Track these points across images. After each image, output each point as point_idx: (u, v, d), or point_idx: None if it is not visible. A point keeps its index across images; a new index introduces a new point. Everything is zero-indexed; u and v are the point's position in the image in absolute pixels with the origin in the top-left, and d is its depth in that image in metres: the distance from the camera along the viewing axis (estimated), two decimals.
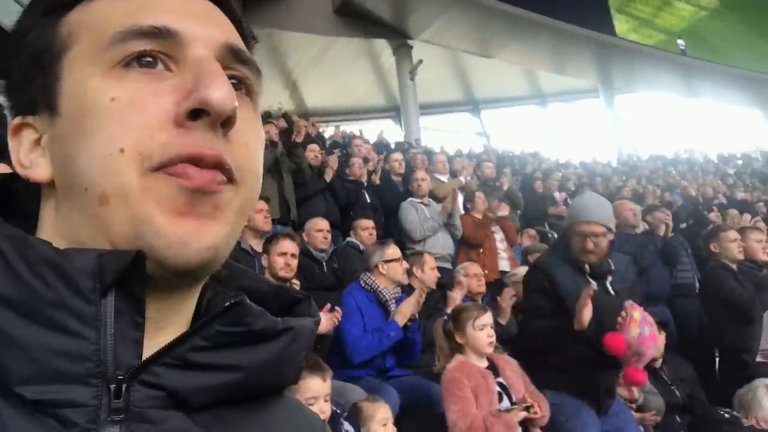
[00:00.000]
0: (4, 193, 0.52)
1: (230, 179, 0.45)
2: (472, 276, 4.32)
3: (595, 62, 17.99)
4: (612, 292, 2.83)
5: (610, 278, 2.85)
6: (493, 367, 2.78)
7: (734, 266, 3.97)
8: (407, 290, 3.68)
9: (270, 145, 5.33)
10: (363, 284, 3.56)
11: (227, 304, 0.45)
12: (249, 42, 0.53)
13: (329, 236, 4.64)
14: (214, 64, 0.45)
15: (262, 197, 4.04)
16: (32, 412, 0.39)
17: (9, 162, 0.49)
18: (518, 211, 7.24)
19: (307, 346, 0.52)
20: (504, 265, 5.53)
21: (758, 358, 3.67)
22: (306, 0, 12.88)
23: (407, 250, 4.77)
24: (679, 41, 19.14)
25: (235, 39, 0.50)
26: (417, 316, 3.40)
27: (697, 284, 4.68)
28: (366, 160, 6.93)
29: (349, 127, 12.36)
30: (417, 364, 3.51)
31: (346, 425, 2.37)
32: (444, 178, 6.65)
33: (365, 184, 6.22)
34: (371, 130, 12.22)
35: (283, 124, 8.30)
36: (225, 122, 0.44)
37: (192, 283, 0.48)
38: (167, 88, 0.44)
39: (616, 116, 19.68)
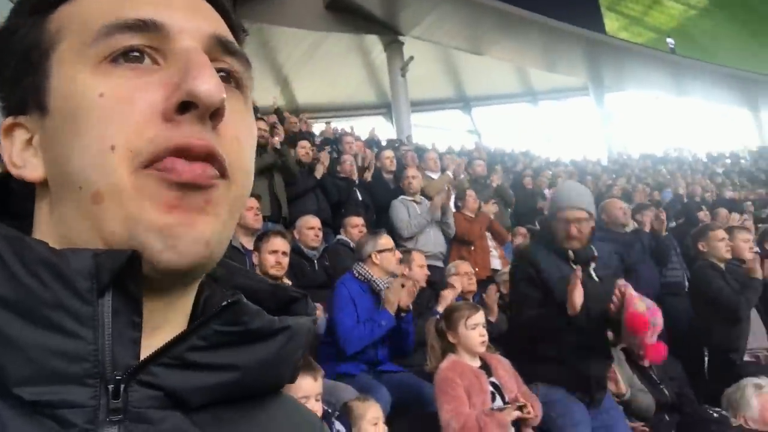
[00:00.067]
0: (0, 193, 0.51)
1: (222, 173, 0.45)
2: (462, 274, 4.33)
3: (586, 60, 18.07)
4: (596, 278, 2.87)
5: (593, 264, 2.91)
6: (486, 367, 2.78)
7: (722, 265, 4.00)
8: None
9: (259, 147, 5.30)
10: (356, 274, 3.55)
11: (224, 303, 0.45)
12: (238, 34, 0.53)
13: (320, 234, 4.63)
14: (201, 55, 0.45)
15: (252, 194, 4.02)
16: (31, 412, 0.39)
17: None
18: (509, 209, 7.26)
19: (304, 345, 0.51)
20: (496, 263, 5.55)
21: (746, 357, 3.71)
22: None
23: (398, 248, 4.76)
24: (669, 40, 19.28)
25: (223, 30, 0.49)
26: (410, 306, 3.40)
27: (687, 283, 4.72)
28: (357, 157, 6.92)
29: (341, 124, 12.32)
30: (410, 363, 3.51)
31: (338, 425, 2.36)
32: (435, 175, 6.65)
33: (357, 181, 6.21)
34: (362, 126, 12.20)
35: (273, 119, 8.26)
36: (214, 115, 0.44)
37: (187, 282, 0.47)
38: (155, 83, 0.44)
39: (606, 114, 19.78)
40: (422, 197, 5.56)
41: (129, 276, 0.42)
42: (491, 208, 5.99)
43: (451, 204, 5.79)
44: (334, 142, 8.99)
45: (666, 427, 2.97)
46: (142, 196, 0.42)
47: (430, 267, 4.82)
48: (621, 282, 2.66)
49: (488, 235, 5.75)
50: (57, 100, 0.45)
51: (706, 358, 3.83)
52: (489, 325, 3.43)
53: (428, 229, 5.21)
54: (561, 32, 15.66)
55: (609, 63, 18.28)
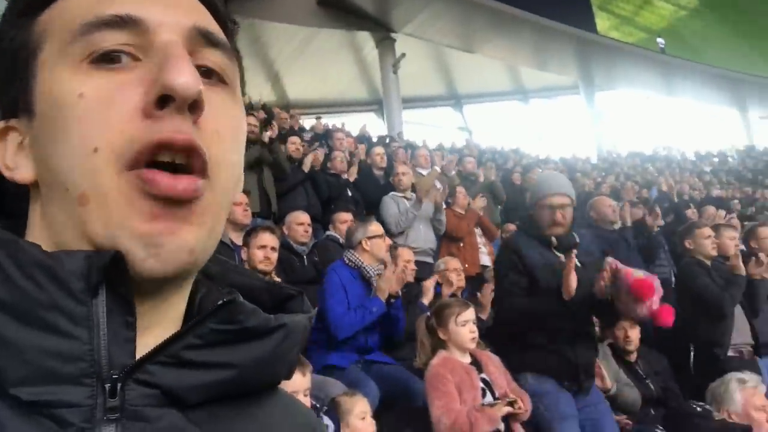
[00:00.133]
0: None
1: (203, 171, 0.44)
2: (452, 270, 4.34)
3: (577, 59, 18.15)
4: (578, 263, 2.92)
5: (575, 251, 2.93)
6: (476, 363, 2.80)
7: (708, 262, 4.04)
8: None
9: (250, 142, 5.28)
10: (347, 261, 3.56)
11: (220, 302, 0.45)
12: (227, 25, 0.53)
13: (310, 230, 4.62)
14: (178, 48, 0.45)
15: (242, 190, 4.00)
16: (29, 412, 0.39)
17: None
18: (499, 206, 7.29)
19: (299, 343, 0.52)
20: (485, 259, 5.57)
21: (730, 353, 3.75)
22: None
23: None
24: (659, 40, 19.41)
25: (204, 22, 0.49)
26: (399, 292, 3.42)
27: (674, 279, 4.77)
28: (351, 154, 6.92)
29: (332, 120, 12.29)
30: (401, 357, 3.52)
31: (326, 419, 2.37)
32: (426, 172, 6.66)
33: (347, 178, 6.21)
34: (354, 123, 12.19)
35: (262, 115, 8.24)
36: (193, 108, 0.44)
37: (176, 284, 0.47)
38: (134, 80, 0.44)
39: (596, 113, 19.88)
40: (413, 194, 5.57)
41: (118, 277, 0.42)
42: (479, 203, 5.99)
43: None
44: (324, 137, 8.97)
45: (652, 420, 3.00)
46: (125, 201, 0.42)
47: (420, 263, 4.84)
48: (609, 259, 2.69)
49: (478, 231, 5.77)
50: (41, 103, 0.45)
51: (692, 353, 3.87)
52: (479, 323, 3.45)
53: (418, 224, 5.22)
54: (552, 31, 15.73)
55: (600, 62, 18.37)
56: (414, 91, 17.39)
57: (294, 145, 6.22)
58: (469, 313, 2.83)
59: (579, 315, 2.82)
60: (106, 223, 0.42)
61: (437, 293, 4.09)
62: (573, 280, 2.66)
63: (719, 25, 21.08)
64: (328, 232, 5.04)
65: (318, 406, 2.46)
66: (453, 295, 4.14)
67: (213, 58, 0.48)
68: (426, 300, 3.79)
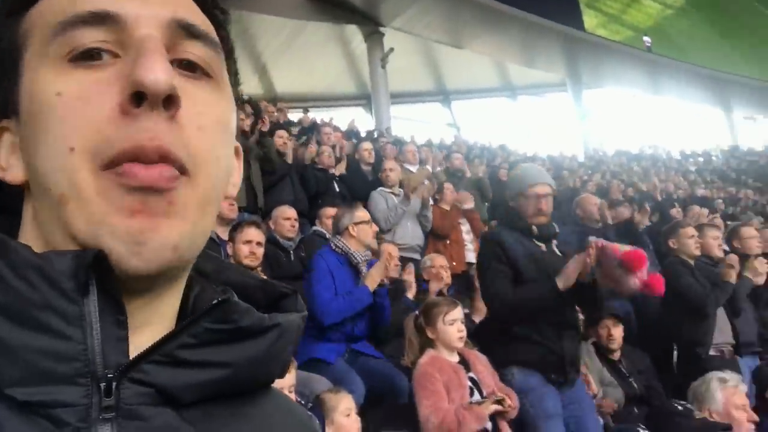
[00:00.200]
0: None
1: (181, 169, 0.44)
2: (438, 267, 4.35)
3: (564, 56, 18.22)
4: (559, 253, 2.97)
5: (555, 241, 3.01)
6: (464, 362, 2.81)
7: (692, 262, 4.08)
8: None
9: (241, 135, 5.25)
10: (334, 247, 3.56)
11: (214, 301, 0.45)
12: (216, 16, 0.52)
13: (296, 224, 4.61)
14: (151, 42, 0.44)
15: None
16: (26, 412, 0.40)
17: None
18: (486, 203, 7.30)
19: (293, 342, 0.52)
20: (471, 256, 5.57)
21: (711, 352, 3.80)
22: None
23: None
24: (645, 38, 19.54)
25: (185, 13, 0.48)
26: (386, 281, 3.45)
27: None
28: (335, 148, 6.90)
29: (320, 114, 12.24)
30: (387, 353, 3.52)
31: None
32: (414, 168, 6.66)
33: (335, 172, 6.19)
34: (342, 117, 12.15)
35: (249, 110, 8.17)
36: (168, 103, 0.43)
37: (165, 281, 0.47)
38: (112, 77, 0.43)
39: (583, 111, 19.99)
40: (401, 189, 5.57)
41: (106, 276, 0.42)
42: (463, 199, 5.99)
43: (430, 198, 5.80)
44: (311, 131, 8.93)
45: (635, 419, 3.03)
46: (104, 200, 0.42)
47: (407, 260, 4.85)
48: (593, 238, 2.72)
49: (464, 228, 5.78)
50: (25, 103, 0.45)
51: (675, 352, 3.91)
52: (470, 323, 3.46)
53: (406, 221, 5.22)
54: (540, 28, 15.77)
55: (587, 60, 18.46)
56: (402, 86, 17.35)
57: (281, 138, 6.18)
58: (457, 312, 2.84)
59: (564, 304, 2.84)
60: (87, 222, 0.42)
61: (423, 289, 4.09)
62: (574, 271, 2.68)
63: (704, 24, 21.29)
64: (314, 227, 5.03)
65: (303, 403, 2.45)
66: (440, 292, 4.14)
67: (195, 50, 0.48)
68: (410, 294, 3.79)
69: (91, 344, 0.41)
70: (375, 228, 3.78)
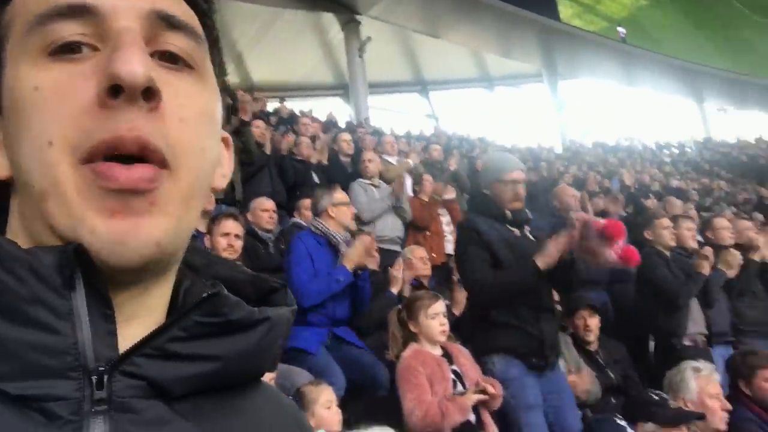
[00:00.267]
0: None
1: (162, 163, 0.43)
2: (417, 259, 4.34)
3: (540, 46, 18.36)
4: (531, 237, 3.04)
5: (527, 227, 3.09)
6: (447, 355, 2.82)
7: (667, 253, 4.14)
8: None
9: None
10: (313, 228, 3.58)
11: (204, 295, 0.45)
12: (199, 6, 0.51)
13: (275, 216, 4.57)
14: (129, 35, 0.44)
15: None
16: (18, 406, 0.40)
17: None
18: (465, 195, 7.32)
19: (283, 335, 0.52)
20: (450, 248, 5.59)
21: (685, 342, 3.88)
22: None
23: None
24: (620, 29, 19.75)
25: (165, 4, 0.47)
26: (367, 265, 3.48)
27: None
28: (314, 139, 6.85)
29: (297, 104, 12.13)
30: (369, 345, 3.53)
31: None
32: (393, 159, 6.64)
33: (314, 162, 6.14)
34: (320, 107, 12.06)
35: (227, 100, 8.05)
36: (148, 95, 0.42)
37: (152, 274, 0.47)
38: (89, 70, 0.43)
39: (559, 102, 20.15)
40: (381, 181, 5.55)
41: (90, 270, 0.42)
42: (442, 191, 6.00)
43: (408, 189, 5.79)
44: (288, 120, 8.84)
45: (612, 409, 3.08)
46: (82, 197, 0.42)
47: (387, 251, 4.85)
48: (578, 213, 2.80)
49: (444, 219, 5.78)
50: (6, 97, 0.45)
51: (652, 343, 3.98)
52: (452, 317, 3.48)
53: (386, 213, 5.21)
54: (516, 17, 15.85)
55: (562, 50, 18.62)
56: (380, 76, 17.29)
57: (258, 129, 6.09)
58: (439, 306, 2.85)
59: (544, 285, 2.90)
60: (67, 218, 0.42)
61: (414, 286, 4.08)
62: (555, 251, 2.74)
63: (678, 15, 21.59)
64: (293, 219, 4.99)
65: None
66: (420, 284, 4.15)
67: (176, 42, 0.47)
68: (394, 289, 3.79)
69: (81, 338, 0.41)
70: (353, 210, 3.82)
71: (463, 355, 2.88)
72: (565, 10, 18.51)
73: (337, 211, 3.60)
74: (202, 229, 3.83)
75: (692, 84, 21.76)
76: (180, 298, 0.52)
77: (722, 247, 4.34)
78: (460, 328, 3.43)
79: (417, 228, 5.46)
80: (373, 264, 4.01)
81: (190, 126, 0.46)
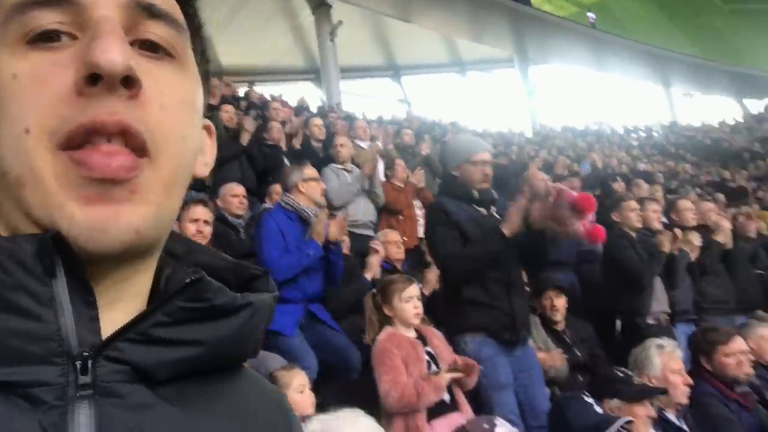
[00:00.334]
0: None
1: (143, 150, 0.43)
2: (391, 243, 4.36)
3: (511, 31, 18.42)
4: (498, 216, 3.12)
5: (494, 208, 3.19)
6: (421, 338, 2.86)
7: (633, 235, 4.23)
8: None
9: None
10: (283, 204, 3.58)
11: (188, 280, 0.45)
12: None
13: (245, 201, 4.53)
14: (108, 24, 0.43)
15: None
16: (3, 392, 0.40)
17: None
18: (437, 179, 7.35)
19: (265, 321, 0.53)
20: (422, 231, 5.61)
21: (649, 320, 3.98)
22: None
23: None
24: (590, 14, 19.92)
25: None
26: (339, 241, 3.53)
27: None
28: (284, 124, 6.78)
29: (267, 89, 11.96)
30: (345, 327, 3.55)
31: None
32: (365, 144, 6.62)
33: (284, 148, 6.08)
34: (291, 91, 11.93)
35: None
36: (128, 84, 0.42)
37: (133, 261, 0.47)
38: (68, 58, 0.43)
39: (530, 87, 20.31)
40: (353, 166, 5.53)
41: (70, 257, 0.42)
42: (419, 177, 6.03)
43: (381, 174, 5.79)
44: (260, 107, 8.73)
45: (579, 386, 3.15)
46: (60, 184, 0.42)
47: (360, 236, 4.85)
48: (554, 184, 2.87)
49: (417, 203, 5.81)
50: None
51: (619, 322, 4.08)
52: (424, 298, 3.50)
53: (358, 198, 5.20)
54: (487, 3, 15.88)
55: (533, 35, 18.72)
56: (352, 60, 17.17)
57: (228, 114, 6.01)
58: (413, 289, 2.88)
59: (514, 255, 2.98)
60: (45, 206, 0.42)
61: (387, 270, 4.10)
62: (517, 216, 2.84)
63: (647, 2, 21.83)
64: (264, 205, 4.94)
65: None
66: (393, 268, 4.17)
67: (157, 31, 0.47)
68: (369, 275, 3.81)
69: (64, 324, 0.41)
70: (323, 186, 3.84)
71: (437, 337, 2.92)
72: None
73: (307, 186, 3.61)
74: None
75: (660, 69, 22.12)
76: (162, 284, 0.52)
77: (686, 228, 4.45)
78: (432, 309, 3.46)
79: (390, 212, 5.47)
80: (344, 248, 4.01)
81: (171, 114, 0.46)
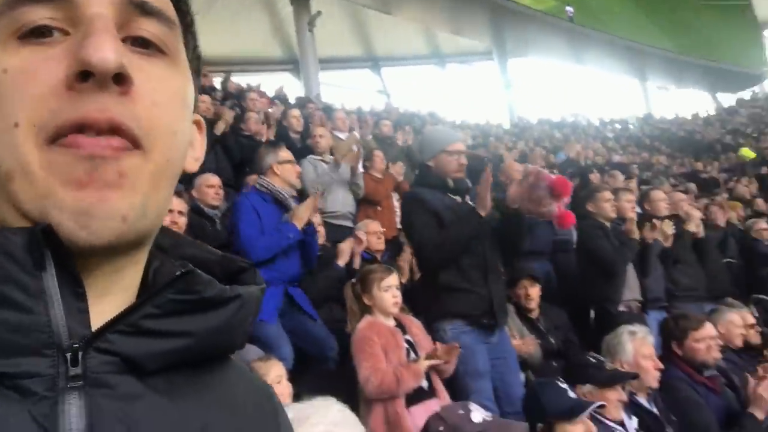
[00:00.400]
0: None
1: (134, 143, 0.44)
2: (372, 233, 4.36)
3: (490, 24, 18.47)
4: (472, 204, 3.16)
5: (468, 196, 3.24)
6: (401, 326, 2.89)
7: (608, 224, 4.30)
8: None
9: None
10: (258, 186, 3.57)
11: (178, 273, 0.46)
12: None
13: (221, 192, 4.50)
14: (101, 21, 0.44)
15: None
16: None
17: None
18: (415, 170, 7.37)
19: (253, 313, 0.53)
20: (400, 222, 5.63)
21: (621, 308, 4.06)
22: None
23: None
24: (568, 8, 20.05)
25: None
26: (312, 221, 3.55)
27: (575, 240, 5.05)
28: (265, 116, 6.72)
29: (245, 79, 11.82)
30: (322, 316, 3.57)
31: None
32: (344, 135, 6.60)
33: (262, 139, 6.03)
34: (269, 82, 11.82)
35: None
36: (120, 81, 0.43)
37: (120, 255, 0.47)
38: (59, 53, 0.43)
39: (508, 79, 20.42)
40: (331, 156, 5.51)
41: (60, 249, 0.42)
42: (398, 169, 6.05)
43: (360, 165, 5.78)
44: (237, 97, 8.63)
45: (553, 372, 3.20)
46: (50, 174, 0.42)
47: (339, 227, 4.84)
48: (531, 166, 2.92)
49: (395, 195, 5.82)
50: None
51: (593, 310, 4.15)
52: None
53: (337, 189, 5.18)
54: None
55: (512, 28, 18.80)
56: (331, 51, 17.07)
57: (204, 104, 5.94)
58: (392, 279, 2.90)
59: (486, 245, 3.05)
60: (34, 197, 0.42)
61: (367, 260, 4.10)
62: (485, 192, 2.93)
63: None
64: None
65: None
66: (373, 258, 4.18)
67: (149, 28, 0.47)
68: (341, 262, 3.81)
69: (54, 316, 0.42)
70: (298, 168, 3.80)
71: (416, 326, 2.96)
72: None
73: (281, 168, 3.59)
74: None
75: (636, 63, 22.39)
76: (150, 277, 0.53)
77: (658, 217, 4.53)
78: (411, 299, 3.49)
79: (369, 203, 5.47)
80: (320, 238, 4.01)
81: (163, 109, 0.46)
